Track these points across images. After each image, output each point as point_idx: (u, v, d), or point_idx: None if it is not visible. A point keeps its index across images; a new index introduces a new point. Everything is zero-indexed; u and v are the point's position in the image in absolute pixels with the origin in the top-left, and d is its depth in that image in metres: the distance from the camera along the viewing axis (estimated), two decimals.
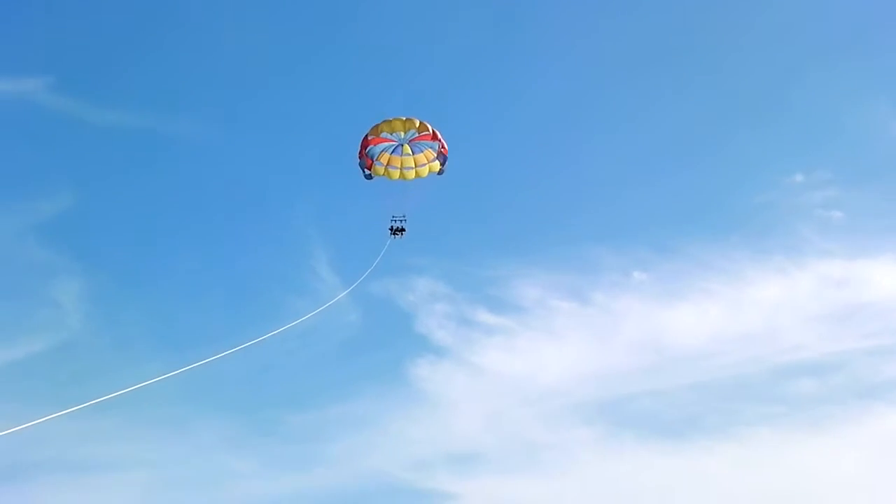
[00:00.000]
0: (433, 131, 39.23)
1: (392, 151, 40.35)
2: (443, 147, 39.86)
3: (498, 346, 70.20)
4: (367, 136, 39.66)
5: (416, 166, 40.67)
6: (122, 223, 75.16)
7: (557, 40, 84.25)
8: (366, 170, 40.57)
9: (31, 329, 63.49)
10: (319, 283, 69.13)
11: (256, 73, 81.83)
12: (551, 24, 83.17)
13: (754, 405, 66.78)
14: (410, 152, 40.33)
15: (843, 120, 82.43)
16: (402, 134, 39.34)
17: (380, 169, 40.63)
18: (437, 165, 40.56)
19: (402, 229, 40.79)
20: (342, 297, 37.23)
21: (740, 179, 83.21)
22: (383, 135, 39.46)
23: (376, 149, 40.34)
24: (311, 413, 64.66)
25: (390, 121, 39.13)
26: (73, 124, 75.00)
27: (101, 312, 67.42)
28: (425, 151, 40.34)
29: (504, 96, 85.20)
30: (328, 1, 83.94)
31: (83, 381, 60.04)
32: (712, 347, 70.06)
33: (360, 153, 40.15)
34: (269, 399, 64.36)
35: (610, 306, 72.98)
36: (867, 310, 70.65)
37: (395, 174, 40.70)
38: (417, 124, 38.96)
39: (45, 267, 67.32)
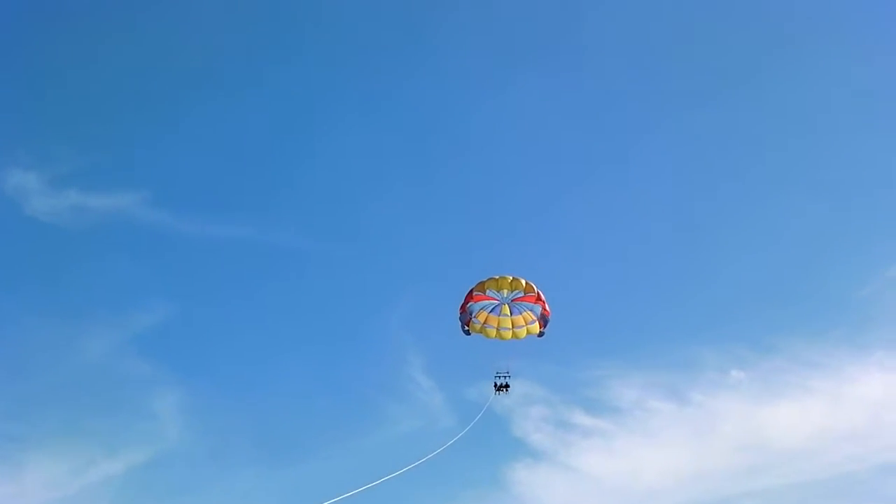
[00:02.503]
0: (538, 293, 39.52)
1: (491, 311, 40.59)
2: (545, 310, 40.01)
3: (595, 448, 68.78)
4: (472, 290, 40.07)
5: (513, 327, 40.79)
6: (218, 333, 76.51)
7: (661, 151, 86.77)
8: (465, 326, 40.68)
9: (130, 441, 65.18)
10: (416, 388, 69.89)
11: (350, 184, 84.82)
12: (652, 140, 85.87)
13: None
14: (509, 313, 40.47)
15: None
16: (507, 293, 39.68)
17: (476, 326, 40.80)
18: (536, 328, 40.62)
19: (507, 385, 40.84)
20: (459, 437, 38.09)
21: (838, 273, 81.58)
22: (489, 292, 39.87)
23: (476, 306, 40.60)
24: None
25: (497, 279, 39.64)
26: (170, 237, 77.63)
27: (199, 423, 67.88)
28: (524, 313, 40.52)
29: (608, 206, 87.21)
30: (417, 118, 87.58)
31: (182, 493, 62.05)
32: (815, 445, 68.40)
33: (462, 307, 40.37)
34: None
35: (708, 406, 71.24)
36: None
37: (492, 333, 40.78)
38: (524, 284, 39.37)
39: (144, 379, 68.68)
